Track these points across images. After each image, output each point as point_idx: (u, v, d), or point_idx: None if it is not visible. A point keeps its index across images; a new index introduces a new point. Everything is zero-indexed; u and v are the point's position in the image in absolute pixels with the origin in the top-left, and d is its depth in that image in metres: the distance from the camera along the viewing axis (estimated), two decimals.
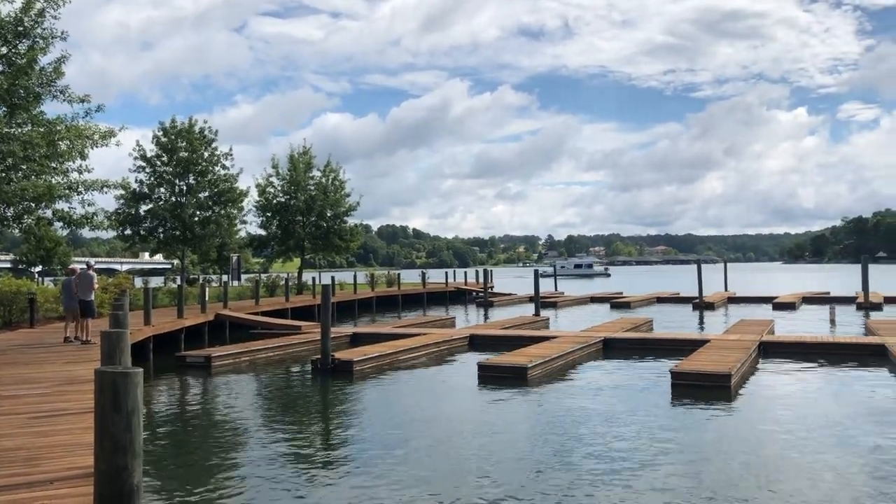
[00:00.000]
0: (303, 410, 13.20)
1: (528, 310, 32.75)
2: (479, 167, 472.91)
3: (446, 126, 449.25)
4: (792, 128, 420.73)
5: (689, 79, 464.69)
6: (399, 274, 49.80)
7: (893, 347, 16.15)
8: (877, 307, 33.12)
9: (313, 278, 40.24)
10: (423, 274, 48.92)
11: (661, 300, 42.65)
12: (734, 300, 41.25)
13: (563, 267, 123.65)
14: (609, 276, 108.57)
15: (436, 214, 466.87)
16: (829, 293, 42.90)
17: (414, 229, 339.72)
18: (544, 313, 30.39)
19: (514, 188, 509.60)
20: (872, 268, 36.90)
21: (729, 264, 56.04)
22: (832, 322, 26.31)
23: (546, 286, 53.90)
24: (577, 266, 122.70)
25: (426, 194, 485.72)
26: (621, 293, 48.35)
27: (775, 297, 38.27)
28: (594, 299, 44.57)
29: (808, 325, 26.16)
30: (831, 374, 15.36)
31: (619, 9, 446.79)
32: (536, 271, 32.99)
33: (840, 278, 72.69)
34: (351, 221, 41.65)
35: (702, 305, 35.25)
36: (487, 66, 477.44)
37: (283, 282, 35.43)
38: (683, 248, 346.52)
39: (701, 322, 29.52)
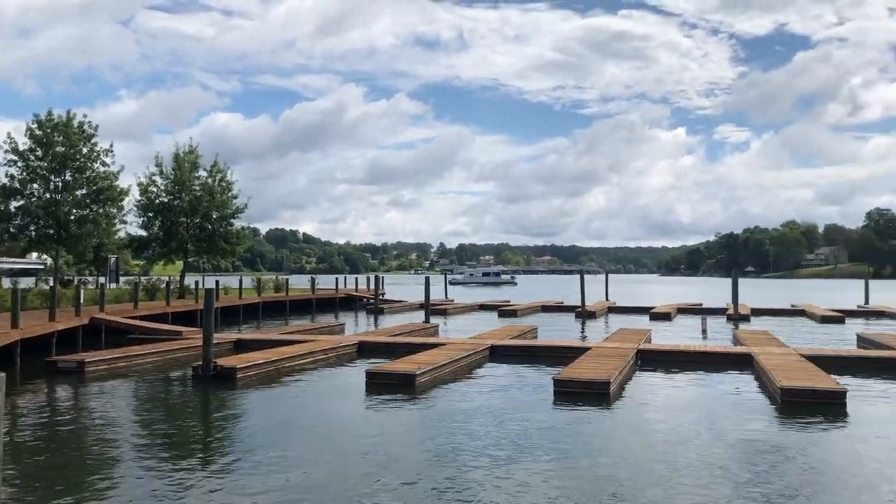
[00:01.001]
0: (181, 419, 12.77)
1: (419, 317, 32.91)
2: (372, 173, 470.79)
3: (340, 131, 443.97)
4: (672, 146, 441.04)
5: (577, 95, 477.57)
6: (287, 279, 48.86)
7: (759, 357, 17.15)
8: (745, 318, 35.18)
9: (196, 282, 38.98)
10: (313, 280, 48.23)
11: (546, 309, 43.83)
12: (614, 310, 42.86)
13: (471, 275, 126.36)
14: (516, 284, 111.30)
15: (327, 219, 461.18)
16: (701, 305, 45.18)
17: (304, 234, 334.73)
18: (434, 321, 30.59)
19: (408, 195, 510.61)
20: (742, 281, 39.15)
21: (610, 275, 58.18)
22: (704, 332, 27.73)
23: (444, 294, 54.35)
24: (486, 274, 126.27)
25: (317, 199, 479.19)
26: (508, 301, 49.33)
27: (652, 308, 39.99)
28: (483, 307, 45.30)
29: (682, 334, 27.49)
30: (702, 381, 16.20)
31: (512, 24, 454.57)
32: (427, 278, 33.15)
33: (712, 291, 76.69)
34: (238, 224, 40.46)
35: (584, 314, 36.42)
36: (383, 73, 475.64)
37: (163, 285, 34.14)
38: (568, 259, 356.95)
39: (583, 330, 30.50)
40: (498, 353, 19.77)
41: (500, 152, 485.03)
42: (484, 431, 10.85)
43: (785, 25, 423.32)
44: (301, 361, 18.24)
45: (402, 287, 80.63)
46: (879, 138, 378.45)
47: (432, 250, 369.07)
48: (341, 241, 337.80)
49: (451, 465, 9.00)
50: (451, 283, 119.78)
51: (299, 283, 53.51)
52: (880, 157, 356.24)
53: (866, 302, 46.25)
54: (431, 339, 22.73)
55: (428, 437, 10.69)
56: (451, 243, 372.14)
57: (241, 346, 21.28)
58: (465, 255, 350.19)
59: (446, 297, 53.04)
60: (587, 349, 19.06)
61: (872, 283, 57.26)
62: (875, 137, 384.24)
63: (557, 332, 28.70)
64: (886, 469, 8.96)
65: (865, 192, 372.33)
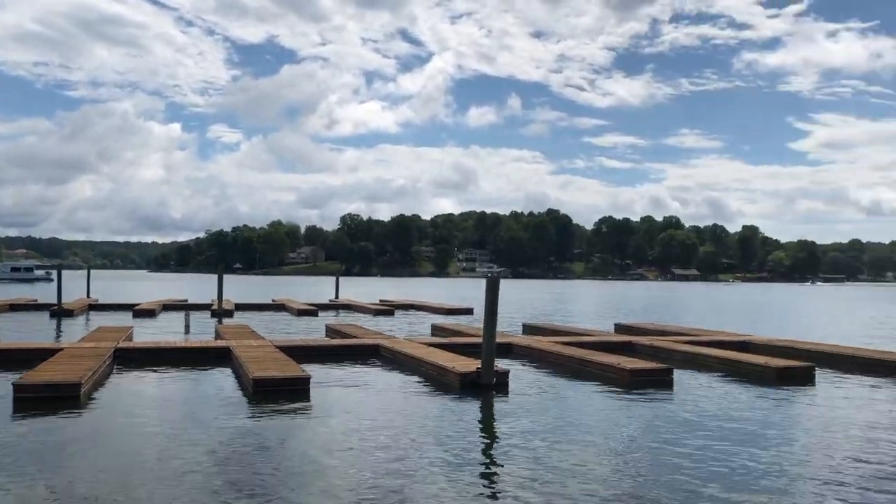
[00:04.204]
0: None
1: None
2: None
3: None
4: (165, 141, 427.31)
5: (63, 75, 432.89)
6: None
7: (236, 350, 17.88)
8: (228, 314, 36.42)
9: None
10: None
11: (14, 307, 39.28)
12: (96, 307, 40.60)
13: None
14: (52, 280, 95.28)
15: None
16: (187, 300, 45.36)
17: None
18: None
19: None
20: (230, 278, 40.50)
21: (96, 271, 54.91)
22: (187, 328, 27.89)
23: None
24: (15, 269, 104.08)
25: None
26: None
27: (137, 305, 38.81)
28: None
29: (166, 330, 27.24)
30: (181, 376, 16.27)
31: None
32: None
33: (201, 287, 77.40)
34: None
35: (60, 313, 33.59)
36: None
37: None
38: (48, 253, 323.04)
39: (58, 330, 28.13)
40: None
41: None
42: None
43: (276, 37, 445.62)
44: None
45: None
46: (351, 151, 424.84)
47: None
48: None
49: None
50: None
51: None
52: (352, 168, 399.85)
53: (336, 296, 51.74)
54: None
55: None
56: None
57: None
58: None
59: None
60: (59, 350, 17.59)
61: (343, 279, 64.32)
62: (348, 150, 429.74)
63: (26, 333, 25.93)
64: (339, 445, 10.18)
65: (340, 198, 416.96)
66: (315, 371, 15.61)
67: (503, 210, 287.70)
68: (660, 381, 15.75)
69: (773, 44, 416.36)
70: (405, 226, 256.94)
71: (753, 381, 16.41)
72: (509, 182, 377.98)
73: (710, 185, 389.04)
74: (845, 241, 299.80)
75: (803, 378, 16.53)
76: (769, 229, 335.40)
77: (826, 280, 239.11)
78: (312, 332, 27.56)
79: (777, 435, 10.92)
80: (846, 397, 14.51)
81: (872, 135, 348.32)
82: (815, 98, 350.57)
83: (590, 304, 61.99)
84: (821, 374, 17.07)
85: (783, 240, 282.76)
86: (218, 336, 23.26)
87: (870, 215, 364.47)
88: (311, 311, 38.91)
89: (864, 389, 15.60)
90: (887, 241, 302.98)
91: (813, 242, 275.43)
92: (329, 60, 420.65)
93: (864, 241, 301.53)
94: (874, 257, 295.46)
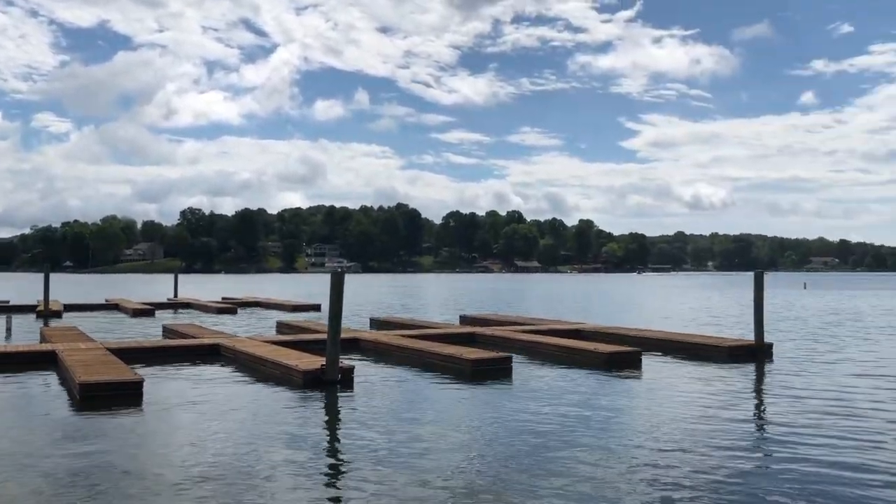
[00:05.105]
0: None
1: None
2: None
3: None
4: None
5: None
6: None
7: (63, 353, 16.80)
8: (57, 315, 34.08)
9: None
10: None
11: None
12: None
13: None
14: None
15: None
16: (9, 302, 42.04)
17: None
18: None
19: None
20: (60, 277, 37.93)
21: None
22: (8, 331, 25.93)
23: None
24: None
25: None
26: None
27: None
28: None
29: None
30: (3, 383, 15.11)
31: None
32: None
33: (28, 287, 71.89)
34: None
35: None
36: None
37: None
38: None
39: None
40: None
41: None
42: None
43: (108, 22, 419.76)
44: None
45: None
46: (191, 143, 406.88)
47: None
48: None
49: None
50: None
51: None
52: (192, 160, 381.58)
53: (175, 295, 49.65)
54: None
55: None
56: None
57: None
58: None
59: None
60: None
61: (184, 276, 61.86)
62: (188, 142, 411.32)
63: None
64: (173, 451, 9.83)
65: (180, 192, 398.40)
66: (149, 374, 14.98)
67: (353, 204, 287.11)
68: (500, 370, 16.34)
69: (605, 47, 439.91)
70: (250, 220, 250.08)
71: (585, 366, 17.37)
72: (359, 176, 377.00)
73: (549, 181, 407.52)
74: (671, 233, 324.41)
75: (631, 363, 17.67)
76: (603, 223, 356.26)
77: (654, 270, 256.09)
78: (148, 333, 26.32)
79: (606, 419, 11.63)
80: (670, 384, 15.59)
81: (693, 135, 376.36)
82: (644, 100, 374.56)
83: (437, 297, 63.03)
84: (647, 359, 18.31)
85: (616, 232, 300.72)
86: (43, 339, 21.72)
87: (691, 209, 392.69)
88: (148, 310, 37.08)
89: (685, 373, 16.91)
90: (707, 234, 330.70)
91: (642, 235, 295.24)
92: (167, 48, 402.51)
93: (687, 233, 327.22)
94: (696, 248, 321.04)
